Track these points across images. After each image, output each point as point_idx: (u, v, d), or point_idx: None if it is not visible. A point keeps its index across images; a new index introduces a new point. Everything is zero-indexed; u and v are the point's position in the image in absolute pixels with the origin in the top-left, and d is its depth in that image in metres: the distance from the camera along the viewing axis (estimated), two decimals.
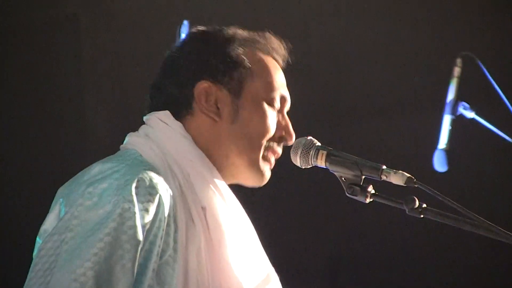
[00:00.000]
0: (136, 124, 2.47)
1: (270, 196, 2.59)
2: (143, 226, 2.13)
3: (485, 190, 5.30)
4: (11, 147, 4.66)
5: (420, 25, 5.34)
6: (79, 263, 2.07)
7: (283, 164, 2.47)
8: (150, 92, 2.47)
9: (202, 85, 2.38)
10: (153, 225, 2.16)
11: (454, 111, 4.34)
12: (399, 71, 5.32)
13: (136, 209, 2.13)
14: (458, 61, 4.36)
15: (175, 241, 2.21)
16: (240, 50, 2.41)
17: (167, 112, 2.39)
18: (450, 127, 4.35)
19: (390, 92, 5.38)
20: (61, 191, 2.27)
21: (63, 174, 2.35)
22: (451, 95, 4.35)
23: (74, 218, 2.13)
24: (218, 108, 2.39)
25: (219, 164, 2.38)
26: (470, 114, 4.32)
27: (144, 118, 2.44)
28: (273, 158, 2.43)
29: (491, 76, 4.22)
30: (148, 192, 2.16)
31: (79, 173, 2.28)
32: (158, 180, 2.20)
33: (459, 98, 4.35)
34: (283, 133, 2.43)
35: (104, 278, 2.08)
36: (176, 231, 2.22)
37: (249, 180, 2.43)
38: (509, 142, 4.25)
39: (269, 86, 2.41)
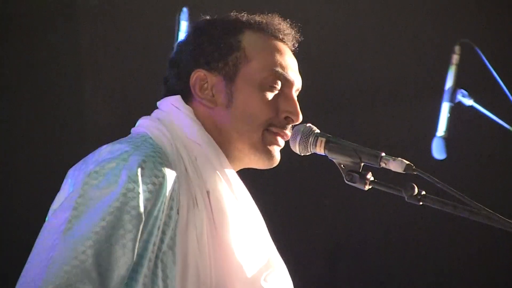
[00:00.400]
0: (136, 113, 2.49)
1: (270, 184, 2.59)
2: (146, 207, 2.16)
3: (483, 177, 5.30)
4: (6, 139, 4.65)
5: (419, 13, 5.33)
6: (80, 242, 2.10)
7: (282, 152, 2.47)
8: (163, 82, 2.51)
9: (196, 74, 2.41)
10: (155, 207, 2.19)
11: (452, 98, 4.34)
12: (397, 58, 5.32)
13: (140, 190, 2.16)
14: (457, 48, 4.36)
15: (176, 224, 2.24)
16: (236, 35, 2.43)
17: (178, 96, 2.43)
18: (449, 115, 4.35)
19: (388, 80, 5.37)
20: (71, 171, 2.30)
21: (61, 166, 2.36)
22: (449, 83, 4.35)
23: (79, 197, 2.16)
24: (213, 95, 2.41)
25: (224, 150, 2.40)
26: (469, 102, 4.32)
27: (157, 103, 2.48)
28: (281, 139, 2.43)
29: (489, 63, 4.22)
30: (154, 174, 2.19)
31: (89, 154, 2.31)
32: (164, 162, 2.23)
33: (457, 85, 4.35)
34: (288, 114, 2.43)
35: (104, 256, 2.11)
36: (177, 214, 2.25)
37: (257, 163, 2.44)
38: (508, 129, 4.25)
39: (265, 68, 2.42)
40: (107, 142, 2.36)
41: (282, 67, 2.43)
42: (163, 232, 2.22)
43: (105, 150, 2.25)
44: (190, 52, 2.45)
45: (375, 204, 5.23)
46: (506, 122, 4.27)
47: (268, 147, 2.42)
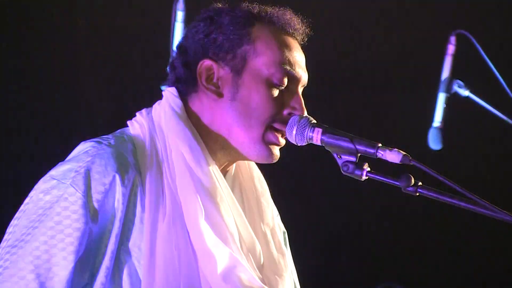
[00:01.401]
0: (132, 105, 2.48)
1: (268, 173, 2.59)
2: (95, 209, 2.20)
3: (479, 168, 5.31)
4: (1, 133, 4.64)
5: (415, 2, 5.33)
6: (21, 255, 2.16)
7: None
8: (168, 68, 2.51)
9: (204, 64, 2.40)
10: (107, 207, 2.22)
11: (448, 89, 4.33)
12: (393, 48, 5.31)
13: (85, 193, 2.19)
14: (453, 38, 4.35)
15: (141, 221, 2.26)
16: (247, 27, 2.41)
17: (174, 89, 2.43)
18: (445, 105, 4.35)
19: (384, 70, 5.37)
20: None
21: (57, 161, 2.36)
22: (445, 73, 4.35)
23: (30, 202, 2.23)
24: (218, 87, 2.40)
25: (222, 142, 2.40)
26: (465, 92, 4.31)
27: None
28: (281, 139, 2.43)
29: (485, 54, 4.21)
30: (104, 175, 2.22)
31: None
32: (121, 162, 2.25)
33: (453, 76, 4.34)
34: (292, 110, 2.42)
35: (43, 262, 2.16)
36: (143, 210, 2.26)
37: (257, 158, 2.44)
38: (504, 119, 4.25)
39: (273, 64, 2.40)
40: (105, 134, 2.38)
41: (290, 64, 2.42)
42: (128, 229, 2.24)
43: (76, 149, 2.31)
44: (199, 40, 2.42)
45: (372, 196, 5.23)
46: (502, 112, 4.27)
47: (269, 145, 2.41)
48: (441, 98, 4.35)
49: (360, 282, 5.51)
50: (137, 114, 2.43)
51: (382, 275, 5.46)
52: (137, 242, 2.24)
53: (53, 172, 2.25)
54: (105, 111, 4.78)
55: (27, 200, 2.24)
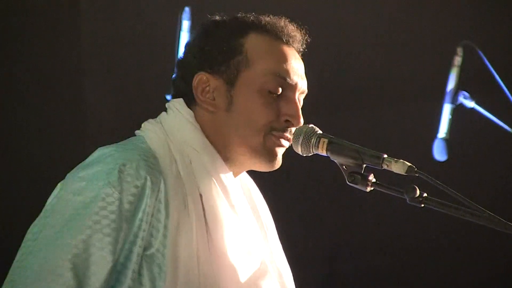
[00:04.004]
0: (137, 112, 2.48)
1: (270, 183, 2.58)
2: (128, 211, 2.19)
3: (484, 180, 5.31)
4: (6, 137, 4.65)
5: (421, 14, 5.33)
6: (58, 253, 2.14)
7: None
8: (171, 82, 2.52)
9: (198, 77, 2.41)
10: (138, 209, 2.21)
11: (454, 100, 4.33)
12: (399, 60, 5.32)
13: (120, 195, 2.19)
14: (459, 50, 4.36)
15: (165, 227, 2.25)
16: (239, 38, 2.41)
17: (181, 100, 2.43)
18: (450, 116, 4.35)
19: (390, 81, 5.37)
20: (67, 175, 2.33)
21: (62, 165, 2.37)
22: (451, 84, 4.35)
23: (61, 202, 2.21)
24: (214, 99, 2.40)
25: (225, 154, 2.40)
26: (470, 104, 4.31)
27: (166, 105, 2.48)
28: (284, 142, 2.42)
29: (491, 65, 4.22)
30: (136, 177, 2.21)
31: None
32: (150, 165, 2.25)
33: (459, 87, 4.35)
34: (288, 117, 2.41)
35: (81, 262, 2.14)
36: (167, 217, 2.25)
37: (259, 166, 2.43)
38: (509, 131, 4.25)
39: (266, 72, 2.40)
40: (108, 141, 2.40)
41: (284, 71, 2.41)
42: (151, 235, 2.23)
43: (95, 155, 2.30)
44: (194, 54, 2.44)
45: (375, 206, 5.23)
46: (507, 124, 4.27)
47: (271, 149, 2.41)
48: (447, 109, 4.35)
49: None
50: (146, 124, 2.43)
51: (385, 283, 5.45)
52: (161, 248, 2.23)
53: (81, 174, 2.23)
54: (110, 118, 4.79)
55: (53, 200, 2.22)
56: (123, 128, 2.48)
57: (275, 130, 2.40)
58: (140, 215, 2.21)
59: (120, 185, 2.19)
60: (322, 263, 5.45)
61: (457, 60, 4.35)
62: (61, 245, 2.14)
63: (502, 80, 4.21)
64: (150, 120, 2.44)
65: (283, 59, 2.43)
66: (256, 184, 2.64)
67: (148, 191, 2.22)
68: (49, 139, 4.68)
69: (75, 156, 2.38)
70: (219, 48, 2.41)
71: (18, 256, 2.18)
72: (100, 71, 4.84)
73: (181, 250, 2.24)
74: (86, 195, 2.19)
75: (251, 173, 2.57)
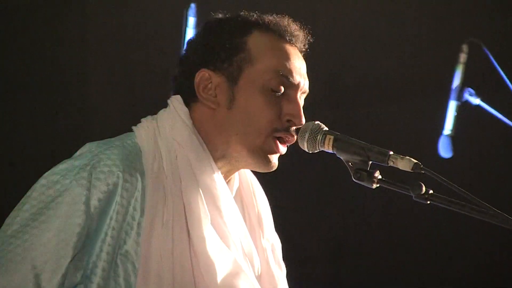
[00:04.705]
0: (141, 107, 2.49)
1: (274, 180, 2.58)
2: (96, 208, 2.21)
3: (489, 177, 5.30)
4: (11, 131, 4.65)
5: (427, 11, 5.33)
6: (19, 249, 2.18)
7: (287, 148, 2.47)
8: (172, 80, 2.52)
9: (200, 74, 2.40)
10: (108, 208, 2.23)
11: (459, 97, 4.34)
12: (405, 56, 5.31)
13: (88, 192, 2.21)
14: (464, 47, 4.36)
15: (139, 225, 2.26)
16: (243, 35, 2.41)
17: (178, 96, 2.44)
18: (456, 113, 4.35)
19: (395, 78, 5.37)
20: None
21: (65, 157, 2.37)
22: (457, 81, 4.36)
23: (34, 192, 2.24)
24: (216, 96, 2.40)
25: (221, 152, 2.40)
26: (476, 101, 4.32)
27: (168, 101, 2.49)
28: (282, 147, 2.41)
29: (497, 62, 4.22)
30: (107, 176, 2.23)
31: None
32: (125, 165, 2.26)
33: (464, 84, 4.35)
34: (291, 117, 2.41)
35: (41, 259, 2.17)
36: (142, 215, 2.27)
37: (255, 166, 2.43)
38: None
39: (269, 71, 2.39)
40: (112, 136, 2.41)
41: (287, 70, 2.41)
42: (126, 233, 2.25)
43: (83, 148, 2.33)
44: (197, 51, 2.44)
45: (379, 204, 5.23)
46: None
47: (267, 155, 2.40)
48: (452, 106, 4.35)
49: None
50: (143, 120, 2.44)
51: (388, 284, 5.46)
52: (134, 246, 2.25)
53: (57, 168, 2.27)
54: (115, 115, 4.80)
55: (28, 193, 2.25)
56: (128, 126, 2.47)
57: (277, 131, 2.40)
58: (109, 213, 2.22)
59: (89, 181, 2.22)
60: (326, 261, 5.45)
61: (463, 57, 4.36)
62: (27, 239, 2.18)
63: (507, 77, 4.21)
64: (149, 116, 2.45)
65: (286, 58, 2.43)
66: (259, 182, 2.63)
67: (119, 189, 2.24)
68: (54, 137, 4.69)
69: (77, 146, 2.37)
70: (222, 45, 2.40)
71: None
72: (105, 68, 4.85)
73: (154, 248, 2.25)
74: (56, 188, 2.22)
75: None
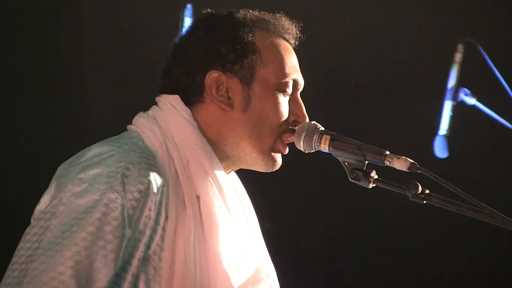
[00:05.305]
0: (138, 108, 2.47)
1: (272, 179, 2.59)
2: (131, 216, 2.14)
3: (485, 176, 5.31)
4: (8, 133, 4.65)
5: (422, 10, 5.33)
6: (59, 253, 2.07)
7: None
8: (162, 74, 2.46)
9: (212, 75, 2.37)
10: (141, 214, 2.16)
11: (455, 97, 4.34)
12: (400, 56, 5.32)
13: (124, 200, 2.13)
14: (460, 47, 4.36)
15: (164, 230, 2.21)
16: (250, 36, 2.39)
17: (177, 96, 2.39)
18: (451, 113, 4.35)
19: (391, 78, 5.37)
20: (59, 170, 2.26)
21: (63, 156, 2.35)
22: (452, 81, 4.36)
23: (61, 205, 2.12)
24: (229, 98, 2.38)
25: (227, 152, 2.39)
26: (471, 101, 4.32)
27: (156, 99, 2.44)
28: (286, 149, 2.42)
29: (492, 62, 4.22)
30: (139, 181, 2.16)
31: (79, 152, 2.27)
32: (150, 167, 2.20)
33: (460, 84, 4.35)
34: (297, 117, 2.42)
35: (83, 268, 2.07)
36: (166, 219, 2.22)
37: (261, 167, 2.42)
38: (510, 128, 4.25)
39: (281, 72, 2.40)
40: (109, 136, 2.35)
41: (294, 71, 2.43)
42: (151, 238, 2.19)
43: (93, 152, 2.22)
44: (202, 50, 2.39)
45: (376, 201, 5.23)
46: (508, 121, 4.27)
47: (275, 154, 2.41)
48: (448, 106, 4.35)
49: None
50: (140, 119, 2.38)
51: (385, 282, 5.46)
52: (158, 251, 2.20)
53: (81, 175, 2.16)
54: (111, 115, 4.79)
55: (55, 202, 2.14)
56: (124, 125, 2.45)
57: (284, 131, 2.40)
58: (143, 220, 2.17)
59: (123, 190, 2.14)
60: (323, 260, 5.45)
61: (458, 56, 4.36)
62: (63, 251, 2.07)
63: (503, 76, 4.22)
64: (142, 114, 2.40)
65: (290, 57, 2.44)
66: (255, 181, 2.64)
67: (150, 195, 2.17)
68: (51, 136, 4.68)
69: (77, 153, 2.35)
70: (231, 47, 2.38)
71: (16, 258, 2.11)
72: (101, 69, 4.84)
73: (178, 254, 2.22)
74: (88, 198, 2.12)
75: (251, 170, 2.55)
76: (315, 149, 2.39)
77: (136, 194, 2.15)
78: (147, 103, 2.51)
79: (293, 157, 2.54)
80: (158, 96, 2.44)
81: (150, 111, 2.40)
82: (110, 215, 2.11)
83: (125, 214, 2.13)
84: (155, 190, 2.18)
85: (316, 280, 5.36)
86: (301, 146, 2.40)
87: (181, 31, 3.93)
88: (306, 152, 2.41)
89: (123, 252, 2.13)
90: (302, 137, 2.38)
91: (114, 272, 2.10)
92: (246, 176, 2.46)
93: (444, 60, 4.46)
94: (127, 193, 2.14)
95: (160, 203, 2.21)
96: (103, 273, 2.09)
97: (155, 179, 2.19)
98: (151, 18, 4.83)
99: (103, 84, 4.84)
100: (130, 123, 2.41)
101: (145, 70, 4.82)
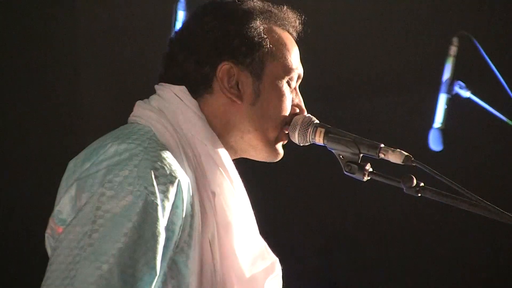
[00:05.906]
0: (131, 101, 2.45)
1: (267, 173, 2.59)
2: (164, 217, 2.09)
3: (480, 169, 5.31)
4: (1, 131, 4.64)
5: (417, 4, 5.33)
6: (104, 259, 2.00)
7: None
8: (165, 62, 2.41)
9: (225, 66, 2.34)
10: (172, 213, 2.12)
11: (450, 90, 4.34)
12: (395, 49, 5.31)
13: (158, 201, 2.08)
14: (455, 40, 4.36)
15: (191, 227, 2.18)
16: (260, 29, 2.38)
17: (183, 87, 2.35)
18: (446, 106, 4.35)
19: (386, 71, 5.37)
20: (73, 167, 2.22)
21: (57, 157, 2.33)
22: (447, 74, 4.35)
23: (96, 209, 2.05)
24: (239, 90, 2.36)
25: (231, 143, 2.37)
26: (466, 93, 4.32)
27: (156, 87, 2.39)
28: (286, 134, 2.42)
29: (487, 55, 4.22)
30: (169, 180, 2.11)
31: (92, 148, 2.21)
32: (176, 166, 2.15)
33: (455, 77, 4.35)
34: (297, 110, 2.43)
35: (129, 274, 2.02)
36: (192, 217, 2.18)
37: (264, 158, 2.42)
38: (504, 121, 4.25)
39: (288, 66, 2.40)
40: (103, 133, 2.28)
41: (298, 64, 2.44)
42: (180, 237, 2.16)
43: (112, 151, 2.14)
44: (214, 40, 2.35)
45: (370, 195, 5.23)
46: (503, 114, 4.27)
47: (278, 145, 2.41)
48: (442, 99, 4.35)
49: (360, 284, 5.51)
50: (145, 111, 2.32)
51: (380, 276, 5.46)
52: (185, 248, 2.17)
53: (109, 176, 2.09)
54: (105, 112, 4.78)
55: (88, 207, 2.07)
56: (118, 122, 2.42)
57: (287, 124, 2.41)
58: (174, 219, 2.13)
59: (156, 190, 2.08)
60: (317, 254, 5.45)
61: (453, 50, 4.36)
62: (108, 253, 2.01)
63: (497, 69, 4.21)
64: (144, 105, 2.34)
65: (295, 51, 2.45)
66: (251, 175, 2.62)
67: (181, 194, 2.14)
68: (44, 134, 4.67)
69: (70, 151, 2.32)
70: (243, 39, 2.36)
71: (54, 266, 2.03)
72: (95, 65, 4.83)
73: (205, 250, 2.20)
74: (124, 202, 2.06)
75: (247, 161, 2.55)
76: (310, 141, 2.39)
77: (166, 194, 2.10)
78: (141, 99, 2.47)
79: (288, 151, 2.54)
80: (157, 84, 2.40)
81: (153, 102, 2.34)
82: (149, 218, 2.06)
83: (162, 217, 2.08)
84: (182, 188, 2.14)
85: (309, 275, 5.36)
86: (295, 138, 2.40)
87: (174, 24, 3.93)
88: (301, 145, 2.41)
89: (162, 257, 2.09)
90: (297, 130, 2.39)
91: (156, 277, 2.06)
92: (240, 169, 2.45)
93: (439, 53, 4.46)
94: (160, 194, 2.09)
95: (188, 201, 2.17)
96: (146, 279, 2.04)
97: (182, 177, 2.15)
98: (144, 12, 4.82)
99: (96, 81, 4.83)
100: (124, 120, 2.37)
101: (139, 66, 4.81)
